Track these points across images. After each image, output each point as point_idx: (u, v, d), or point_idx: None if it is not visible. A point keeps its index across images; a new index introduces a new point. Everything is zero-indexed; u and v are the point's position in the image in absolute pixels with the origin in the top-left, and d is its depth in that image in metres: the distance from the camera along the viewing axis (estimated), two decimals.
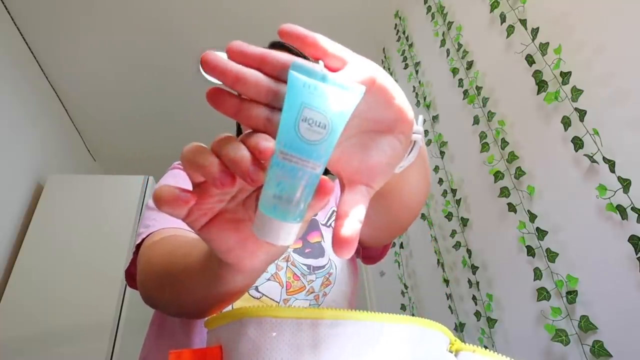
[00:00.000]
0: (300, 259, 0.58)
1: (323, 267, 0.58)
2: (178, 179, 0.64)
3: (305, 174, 0.24)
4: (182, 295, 0.39)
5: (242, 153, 0.24)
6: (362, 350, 0.29)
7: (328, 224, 0.67)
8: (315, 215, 0.62)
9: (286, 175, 0.24)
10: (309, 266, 0.57)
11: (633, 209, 0.79)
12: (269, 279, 0.54)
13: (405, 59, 1.93)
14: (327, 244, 0.62)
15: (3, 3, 1.91)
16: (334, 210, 0.70)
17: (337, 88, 0.25)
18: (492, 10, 1.28)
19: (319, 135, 0.24)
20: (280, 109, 0.25)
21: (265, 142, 0.24)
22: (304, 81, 0.24)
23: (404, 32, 1.97)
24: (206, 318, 0.34)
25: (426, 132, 1.67)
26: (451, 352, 0.34)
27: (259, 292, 0.53)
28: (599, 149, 0.88)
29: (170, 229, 0.52)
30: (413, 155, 0.33)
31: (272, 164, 0.24)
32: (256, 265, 0.31)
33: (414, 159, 0.34)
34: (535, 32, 1.08)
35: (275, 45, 0.74)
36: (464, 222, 1.38)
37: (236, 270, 0.31)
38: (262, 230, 0.25)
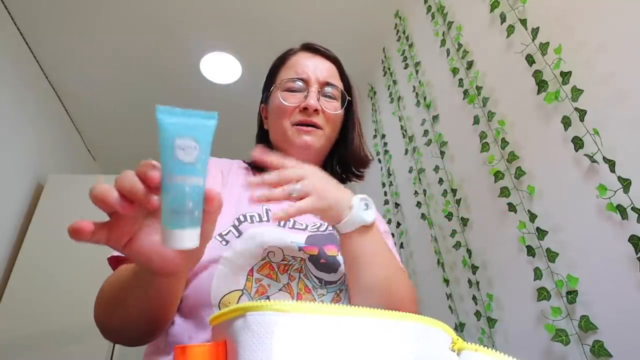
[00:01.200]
0: (313, 270, 0.58)
1: (335, 282, 0.58)
2: None
3: (191, 188, 0.30)
4: (128, 314, 0.44)
5: (136, 185, 0.30)
6: (366, 347, 0.29)
7: None
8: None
9: (176, 193, 0.30)
10: (320, 280, 0.57)
11: (633, 209, 0.79)
12: (280, 289, 0.54)
13: (405, 59, 1.93)
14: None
15: (3, 3, 1.91)
16: None
17: (196, 117, 0.31)
18: (492, 10, 1.29)
19: (192, 156, 0.30)
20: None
21: (152, 172, 0.30)
22: (170, 120, 0.30)
23: (404, 32, 1.97)
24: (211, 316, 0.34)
25: (426, 132, 1.68)
26: (453, 350, 0.34)
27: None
28: (599, 149, 0.88)
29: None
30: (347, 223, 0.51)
31: (163, 187, 0.30)
32: (176, 269, 0.37)
33: (348, 228, 0.51)
34: (535, 32, 1.09)
35: (308, 48, 0.78)
36: (464, 222, 1.38)
37: (161, 276, 0.38)
38: (167, 241, 0.30)
